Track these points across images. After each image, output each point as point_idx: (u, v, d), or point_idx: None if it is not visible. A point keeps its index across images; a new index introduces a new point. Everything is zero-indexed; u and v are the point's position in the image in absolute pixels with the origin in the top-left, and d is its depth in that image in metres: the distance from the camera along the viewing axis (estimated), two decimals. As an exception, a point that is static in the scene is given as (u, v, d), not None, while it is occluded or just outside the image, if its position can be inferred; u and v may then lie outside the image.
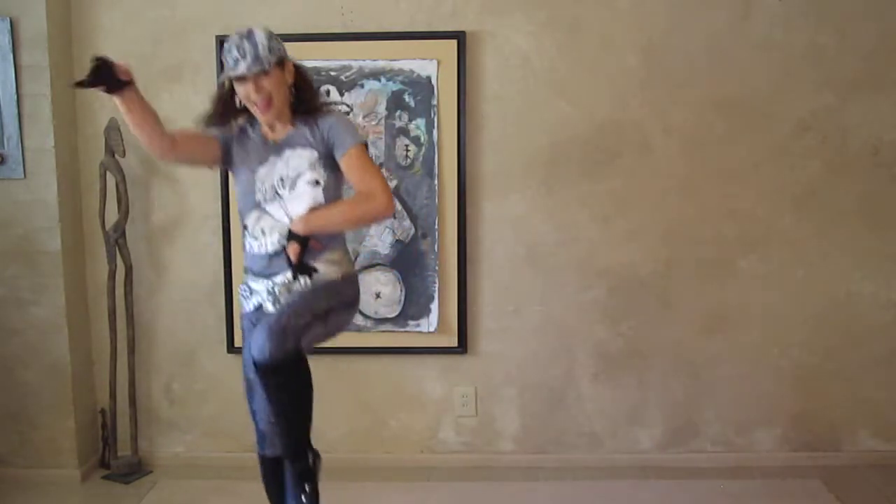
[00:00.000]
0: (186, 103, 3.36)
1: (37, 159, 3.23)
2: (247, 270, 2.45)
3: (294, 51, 3.25)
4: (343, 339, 3.40)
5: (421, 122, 3.31)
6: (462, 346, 3.44)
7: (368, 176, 2.29)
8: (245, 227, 2.42)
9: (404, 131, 3.32)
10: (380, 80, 3.30)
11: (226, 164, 2.47)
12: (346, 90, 3.30)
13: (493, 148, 3.36)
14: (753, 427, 3.48)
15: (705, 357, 3.45)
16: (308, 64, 3.26)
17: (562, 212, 3.38)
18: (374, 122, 3.32)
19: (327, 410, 3.53)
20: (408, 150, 3.33)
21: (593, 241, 3.39)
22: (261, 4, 3.31)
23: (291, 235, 2.28)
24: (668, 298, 3.42)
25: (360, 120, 3.31)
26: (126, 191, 3.31)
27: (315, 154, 2.32)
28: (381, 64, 3.29)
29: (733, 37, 3.27)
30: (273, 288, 2.35)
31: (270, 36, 2.30)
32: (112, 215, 3.34)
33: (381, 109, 3.31)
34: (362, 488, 3.32)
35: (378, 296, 3.41)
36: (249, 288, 2.42)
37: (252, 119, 2.41)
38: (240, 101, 2.35)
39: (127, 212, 3.33)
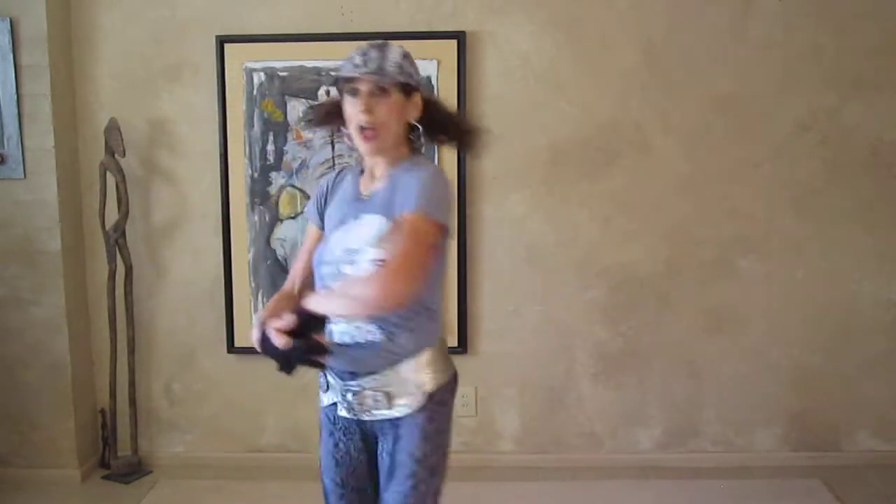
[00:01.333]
0: (186, 103, 3.37)
1: (37, 159, 3.23)
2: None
3: (294, 51, 3.30)
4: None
5: (421, 122, 3.31)
6: (462, 346, 3.44)
7: (403, 252, 1.72)
8: None
9: (404, 131, 3.32)
10: (380, 80, 3.29)
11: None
12: (346, 90, 3.30)
13: (493, 148, 3.35)
14: (753, 427, 3.48)
15: (705, 357, 3.45)
16: (308, 64, 3.30)
17: (562, 212, 3.38)
18: (374, 122, 3.32)
19: (327, 410, 3.54)
20: (408, 150, 3.33)
21: (593, 241, 3.39)
22: (261, 4, 3.30)
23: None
24: (668, 298, 3.42)
25: (360, 120, 3.31)
26: (126, 191, 3.31)
27: (383, 221, 1.80)
28: (381, 64, 3.28)
29: (733, 36, 3.27)
30: (346, 394, 1.90)
31: (406, 55, 1.84)
32: (112, 215, 3.33)
33: (381, 109, 3.31)
34: (362, 488, 3.32)
35: (378, 296, 3.41)
36: (327, 381, 1.95)
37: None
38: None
39: (127, 212, 3.33)
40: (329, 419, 1.97)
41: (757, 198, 3.36)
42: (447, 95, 3.28)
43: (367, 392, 1.86)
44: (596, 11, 3.27)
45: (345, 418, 1.93)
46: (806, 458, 3.45)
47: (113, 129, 3.26)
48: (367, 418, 1.90)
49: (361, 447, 1.95)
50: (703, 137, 3.33)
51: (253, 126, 3.34)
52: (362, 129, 1.79)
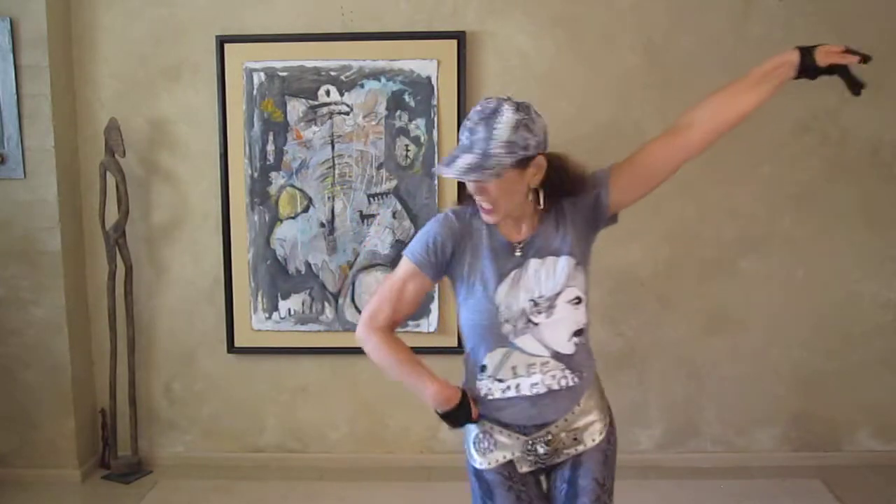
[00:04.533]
0: (186, 103, 3.37)
1: (37, 159, 3.23)
2: (484, 417, 1.89)
3: (294, 51, 3.30)
4: (343, 340, 3.42)
5: (421, 122, 3.31)
6: (462, 346, 3.43)
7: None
8: (482, 369, 1.88)
9: (404, 131, 3.32)
10: (380, 80, 3.30)
11: (447, 274, 1.89)
12: (346, 90, 3.30)
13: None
14: (753, 427, 3.48)
15: (705, 357, 3.45)
16: (308, 64, 3.30)
17: (562, 212, 3.37)
18: (374, 122, 3.32)
19: (327, 411, 3.54)
20: (408, 150, 3.33)
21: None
22: (261, 4, 3.30)
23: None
24: (668, 298, 3.42)
25: (360, 120, 3.31)
26: (126, 191, 3.31)
27: (572, 261, 1.81)
28: (381, 64, 3.29)
29: (733, 37, 3.27)
30: (536, 447, 1.86)
31: (519, 124, 1.67)
32: (112, 215, 3.33)
33: (381, 109, 3.31)
34: (362, 488, 3.32)
35: (378, 296, 3.41)
36: (493, 440, 1.88)
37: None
38: None
39: (127, 212, 3.33)
40: (503, 476, 1.90)
41: (757, 198, 3.36)
42: (447, 95, 3.28)
43: (562, 435, 1.86)
44: (596, 11, 3.27)
45: (526, 471, 1.89)
46: (806, 458, 3.45)
47: (113, 129, 3.26)
48: (559, 459, 1.88)
49: (538, 493, 1.93)
50: (703, 137, 3.32)
51: (253, 126, 3.34)
52: (481, 206, 1.76)
